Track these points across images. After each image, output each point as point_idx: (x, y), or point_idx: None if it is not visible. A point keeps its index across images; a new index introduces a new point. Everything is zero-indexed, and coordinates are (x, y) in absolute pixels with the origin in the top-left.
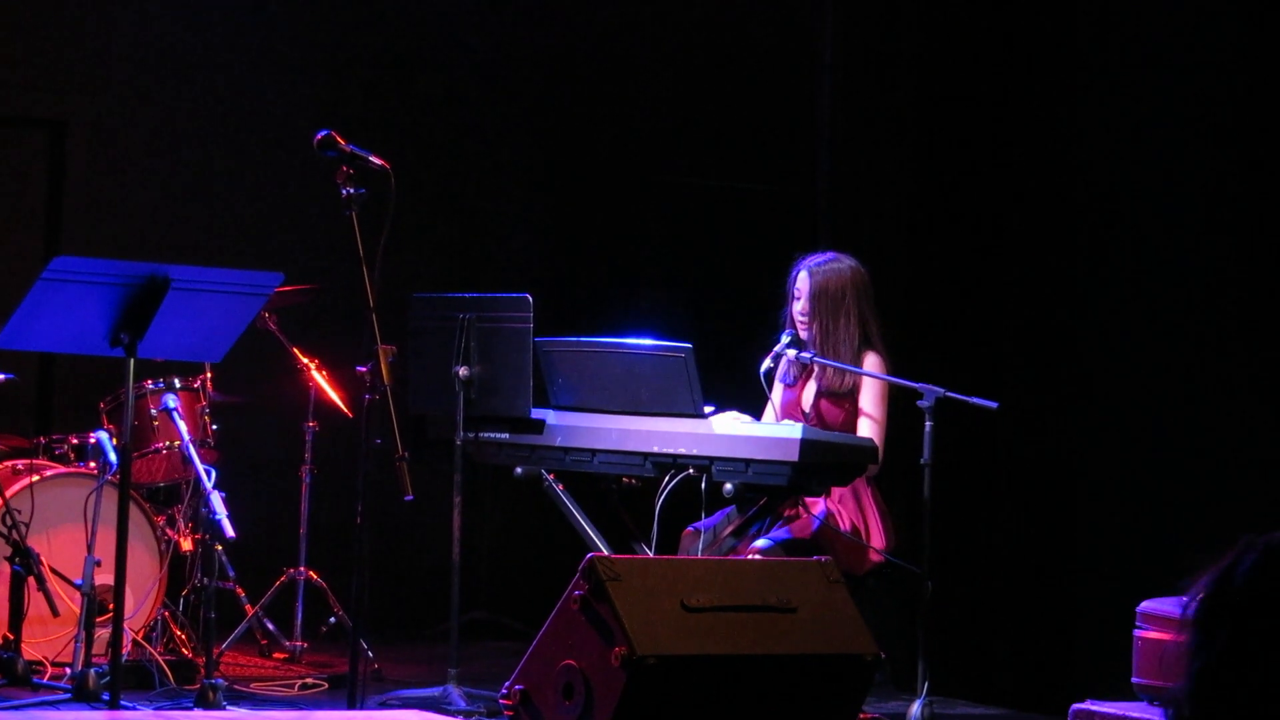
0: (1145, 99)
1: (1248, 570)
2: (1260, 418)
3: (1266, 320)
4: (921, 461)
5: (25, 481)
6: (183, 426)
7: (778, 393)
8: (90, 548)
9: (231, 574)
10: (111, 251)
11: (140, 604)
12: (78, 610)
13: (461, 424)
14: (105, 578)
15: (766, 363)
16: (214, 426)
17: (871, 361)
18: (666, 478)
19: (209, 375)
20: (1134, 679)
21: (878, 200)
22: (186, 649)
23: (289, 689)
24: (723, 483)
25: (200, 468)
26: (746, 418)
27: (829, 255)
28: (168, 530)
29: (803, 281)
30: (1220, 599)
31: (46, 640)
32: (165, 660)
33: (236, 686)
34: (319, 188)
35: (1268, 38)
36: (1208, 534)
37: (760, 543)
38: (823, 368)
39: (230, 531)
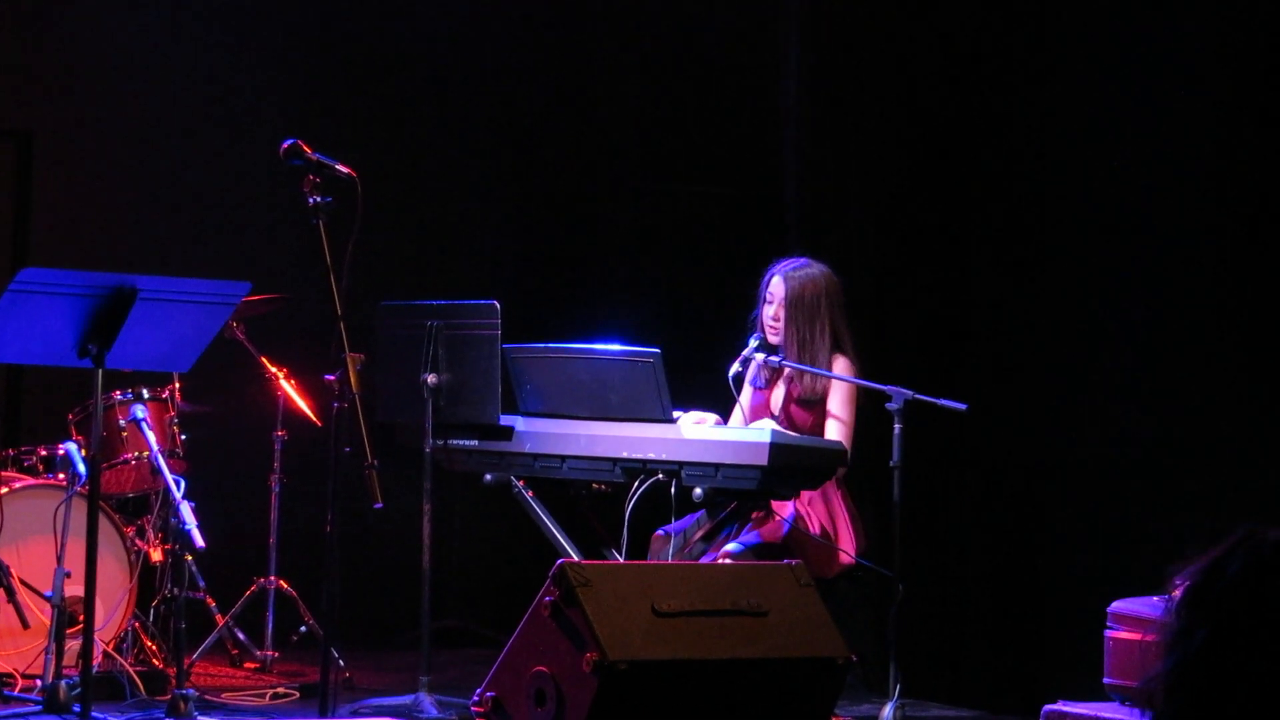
0: (1112, 106)
1: (1240, 568)
2: (1229, 418)
3: (1232, 323)
4: (891, 464)
5: None
6: (151, 437)
7: (746, 395)
8: (60, 559)
9: (202, 584)
10: (79, 262)
11: (110, 615)
12: (48, 622)
13: (430, 431)
14: (75, 589)
15: (735, 367)
16: (183, 436)
17: (841, 365)
18: (636, 483)
19: (177, 385)
20: (1105, 679)
21: (845, 204)
22: (157, 660)
23: (260, 699)
24: (692, 487)
25: (169, 478)
26: (711, 417)
27: (802, 261)
28: (137, 541)
29: (776, 286)
30: (1207, 592)
31: (17, 652)
32: (136, 671)
33: (208, 697)
34: (286, 197)
35: (1235, 57)
36: (1178, 534)
37: (730, 546)
38: (794, 373)
39: (200, 541)
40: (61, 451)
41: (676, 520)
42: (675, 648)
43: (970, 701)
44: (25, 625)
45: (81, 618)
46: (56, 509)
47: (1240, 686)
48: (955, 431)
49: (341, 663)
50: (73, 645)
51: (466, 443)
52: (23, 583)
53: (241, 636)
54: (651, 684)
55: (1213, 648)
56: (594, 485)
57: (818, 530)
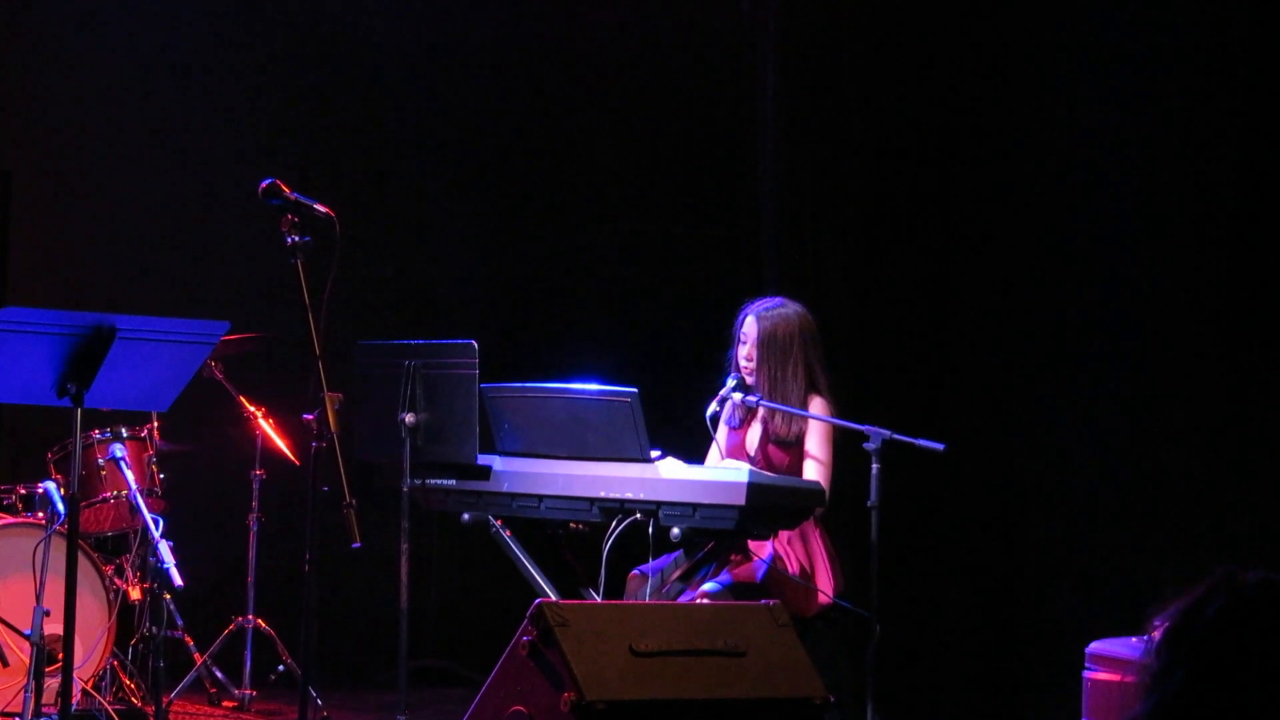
0: (1089, 145)
1: (1220, 608)
2: (1208, 459)
3: (1212, 364)
4: (868, 504)
5: None
6: (130, 476)
7: (722, 435)
8: (39, 597)
9: (180, 623)
10: (57, 302)
11: (89, 653)
12: (27, 660)
13: (408, 470)
14: (54, 627)
15: (712, 406)
16: (161, 475)
17: (817, 405)
18: (614, 522)
19: (156, 424)
20: None
21: (822, 244)
22: (136, 698)
23: None
24: (670, 527)
25: (148, 517)
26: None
27: (777, 301)
28: (116, 579)
29: (750, 326)
30: (1186, 632)
31: None
32: (115, 710)
33: None
34: (264, 236)
35: (1211, 80)
36: (1156, 574)
37: (708, 586)
38: (769, 413)
39: (178, 580)
40: (40, 490)
41: (654, 560)
42: (653, 688)
43: None
44: (4, 663)
45: (60, 656)
46: (35, 547)
47: None
48: (933, 472)
49: (319, 702)
50: (52, 683)
51: (444, 482)
52: (2, 621)
53: (220, 675)
54: None
55: (1192, 688)
56: (571, 525)
57: (796, 570)
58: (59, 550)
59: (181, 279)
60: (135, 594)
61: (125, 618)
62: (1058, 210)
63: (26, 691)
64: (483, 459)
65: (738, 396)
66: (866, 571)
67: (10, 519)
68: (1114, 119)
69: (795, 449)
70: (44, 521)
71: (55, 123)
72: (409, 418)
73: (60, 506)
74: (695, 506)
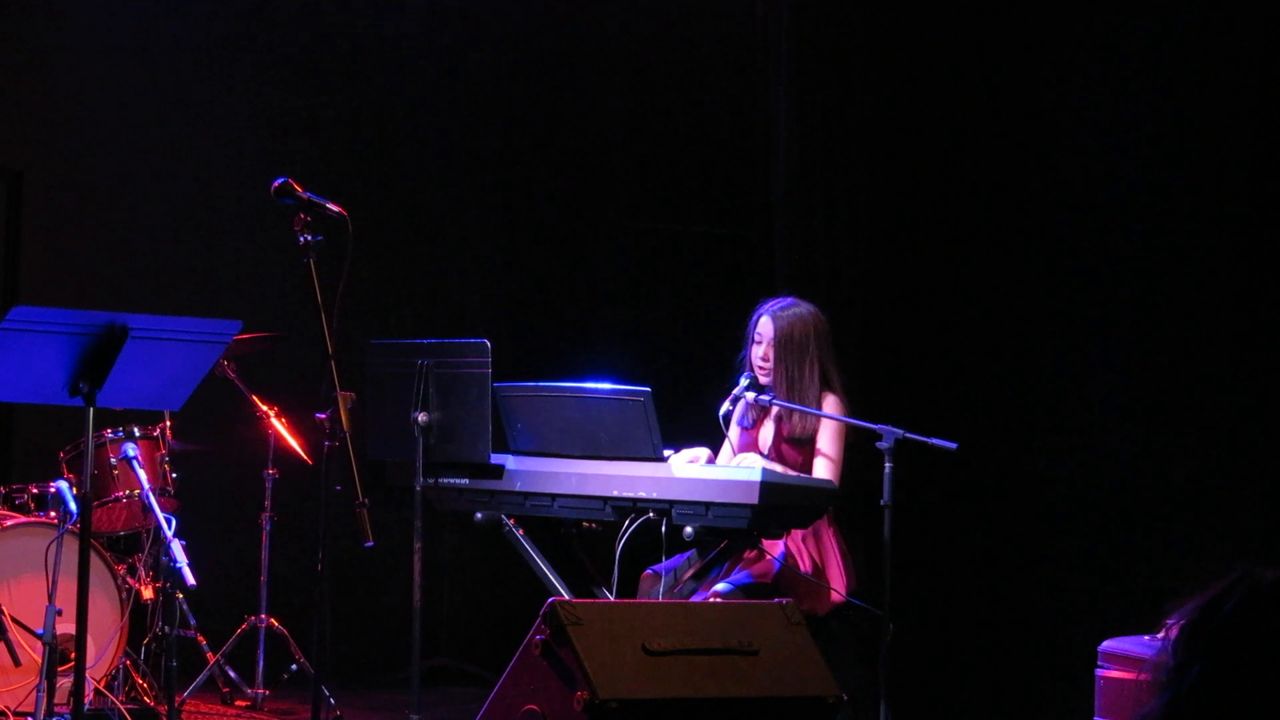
0: (1099, 143)
1: (1236, 605)
2: (1221, 457)
3: (1224, 361)
4: (881, 502)
5: None
6: (143, 475)
7: (735, 434)
8: (51, 597)
9: (193, 622)
10: (69, 301)
11: (102, 653)
12: (39, 660)
13: (421, 470)
14: (67, 627)
15: (726, 405)
16: (174, 475)
17: (830, 403)
18: (626, 521)
19: (168, 424)
20: (1096, 718)
21: (833, 242)
22: (148, 698)
23: None
24: (683, 526)
25: (160, 516)
26: (704, 453)
27: (790, 301)
28: (129, 579)
29: (765, 326)
30: (1202, 629)
31: (8, 690)
32: (127, 709)
33: None
34: (277, 235)
35: (1224, 76)
36: (1168, 573)
37: (721, 586)
38: (783, 411)
39: (191, 579)
40: (53, 489)
41: (667, 559)
42: (666, 687)
43: None
44: (17, 663)
45: (73, 655)
46: (48, 547)
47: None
48: (946, 471)
49: (332, 701)
50: (64, 683)
51: (457, 481)
52: (14, 620)
53: (233, 674)
54: None
55: (1207, 684)
56: (585, 524)
57: (809, 568)
58: (71, 550)
59: (194, 278)
60: (148, 593)
61: (138, 617)
62: (1070, 210)
63: (39, 691)
64: (496, 458)
65: (751, 395)
66: (879, 570)
67: (22, 518)
68: (1126, 116)
69: (809, 448)
70: (56, 521)
71: (67, 123)
72: (422, 417)
73: (72, 506)
74: (708, 505)
